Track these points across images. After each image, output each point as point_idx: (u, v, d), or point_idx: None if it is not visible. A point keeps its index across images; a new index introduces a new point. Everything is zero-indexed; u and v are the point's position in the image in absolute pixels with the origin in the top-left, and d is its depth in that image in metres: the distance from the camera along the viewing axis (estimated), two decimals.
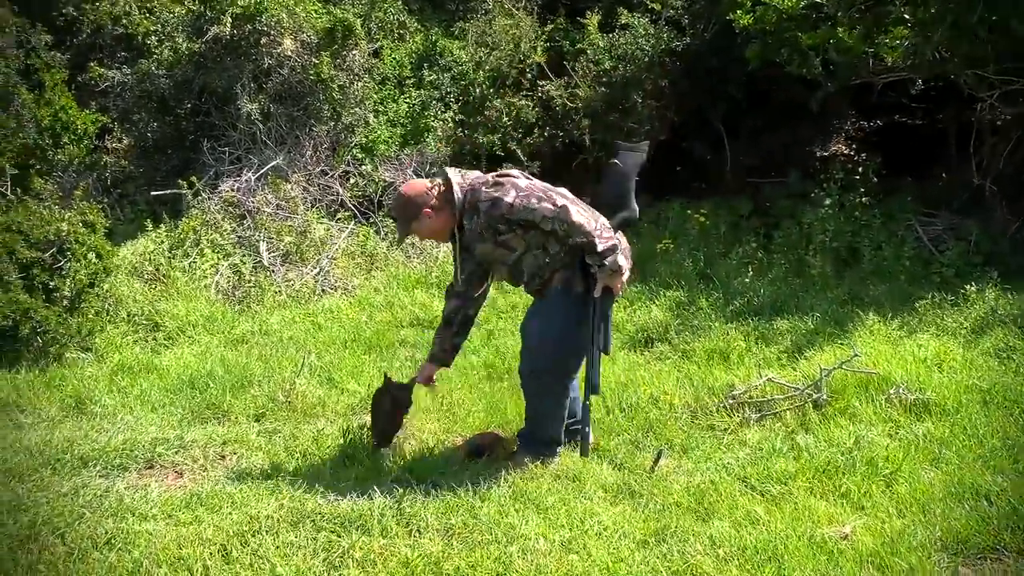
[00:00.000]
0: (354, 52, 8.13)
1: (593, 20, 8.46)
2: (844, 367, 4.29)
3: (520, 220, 3.46)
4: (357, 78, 8.16)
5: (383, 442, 3.92)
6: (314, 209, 7.58)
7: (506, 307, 6.33)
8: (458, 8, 9.53)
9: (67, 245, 5.54)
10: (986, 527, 3.02)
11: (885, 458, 3.57)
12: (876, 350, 4.72)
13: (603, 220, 3.50)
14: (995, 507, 3.14)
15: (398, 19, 9.00)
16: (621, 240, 3.54)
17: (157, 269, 6.64)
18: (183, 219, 7.19)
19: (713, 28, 8.10)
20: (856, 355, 4.32)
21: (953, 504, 3.20)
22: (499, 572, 2.86)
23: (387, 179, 7.89)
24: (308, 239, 7.18)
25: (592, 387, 3.52)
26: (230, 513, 3.26)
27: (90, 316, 5.59)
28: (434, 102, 8.39)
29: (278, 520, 3.18)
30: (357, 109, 8.16)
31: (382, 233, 7.61)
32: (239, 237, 7.17)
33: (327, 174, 7.92)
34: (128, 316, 5.93)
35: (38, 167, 7.65)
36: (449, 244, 3.75)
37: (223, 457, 3.97)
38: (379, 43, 8.71)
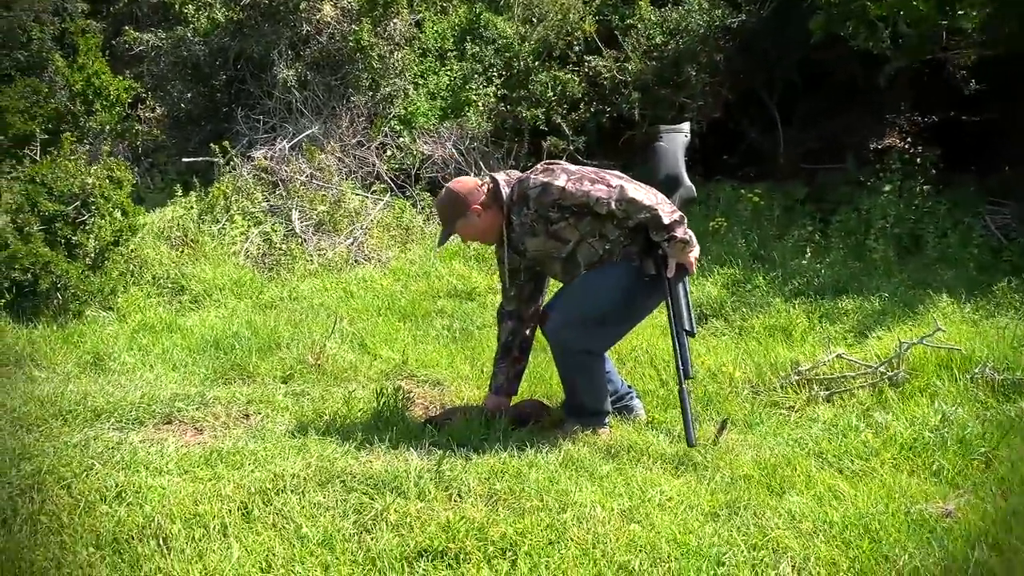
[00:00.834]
0: (395, 21, 7.84)
1: None
2: (925, 342, 3.93)
3: (573, 205, 3.27)
4: (398, 48, 7.86)
5: (436, 420, 3.63)
6: (349, 180, 7.29)
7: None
8: None
9: (92, 199, 5.28)
10: None
11: (980, 436, 3.21)
12: (957, 329, 4.35)
13: (663, 196, 3.33)
14: None
15: None
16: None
17: (185, 234, 6.39)
18: (214, 185, 6.94)
19: (770, 6, 7.75)
20: (940, 329, 3.95)
21: None
22: (551, 540, 2.53)
23: (425, 152, 7.60)
24: (342, 209, 6.90)
25: (684, 372, 3.28)
26: (252, 471, 2.98)
27: (114, 276, 5.35)
28: (476, 75, 8.06)
29: (304, 479, 2.89)
30: (397, 80, 7.85)
31: (419, 207, 7.31)
32: (271, 205, 6.91)
33: (363, 145, 7.62)
34: (153, 279, 5.72)
35: (69, 132, 7.44)
36: (496, 250, 3.57)
37: (247, 416, 3.69)
38: (420, 15, 8.40)
